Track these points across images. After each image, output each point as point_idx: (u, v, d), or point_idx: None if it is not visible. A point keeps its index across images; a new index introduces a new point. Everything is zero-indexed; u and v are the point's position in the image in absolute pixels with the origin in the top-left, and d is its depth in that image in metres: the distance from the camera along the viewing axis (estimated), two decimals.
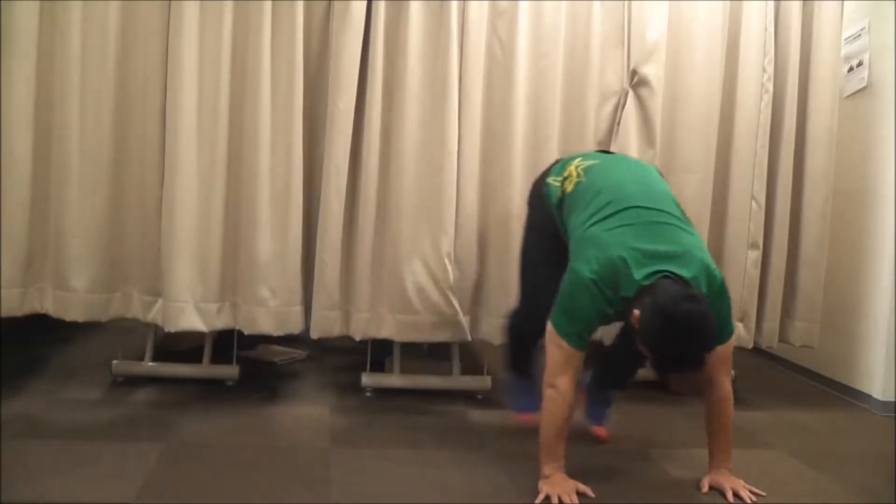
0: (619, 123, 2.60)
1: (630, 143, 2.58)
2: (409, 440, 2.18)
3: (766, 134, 2.67)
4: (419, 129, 2.47)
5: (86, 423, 2.15)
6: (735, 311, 2.68)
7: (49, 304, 2.40)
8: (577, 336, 1.76)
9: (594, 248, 1.78)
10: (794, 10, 2.67)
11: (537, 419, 1.91)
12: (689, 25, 2.61)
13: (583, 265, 1.75)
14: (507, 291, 2.52)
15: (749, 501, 1.85)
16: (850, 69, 3.03)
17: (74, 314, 2.39)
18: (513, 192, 2.52)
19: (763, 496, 1.90)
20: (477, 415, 2.47)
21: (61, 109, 2.34)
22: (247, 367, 2.70)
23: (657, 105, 2.58)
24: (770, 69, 2.65)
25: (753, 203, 2.67)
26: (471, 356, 2.88)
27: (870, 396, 2.81)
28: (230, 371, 2.61)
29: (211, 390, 2.54)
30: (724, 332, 1.83)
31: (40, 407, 2.28)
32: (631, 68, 2.59)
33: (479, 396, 2.63)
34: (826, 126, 2.73)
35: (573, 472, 1.86)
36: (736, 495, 1.87)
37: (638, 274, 1.70)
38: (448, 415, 2.46)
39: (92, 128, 2.36)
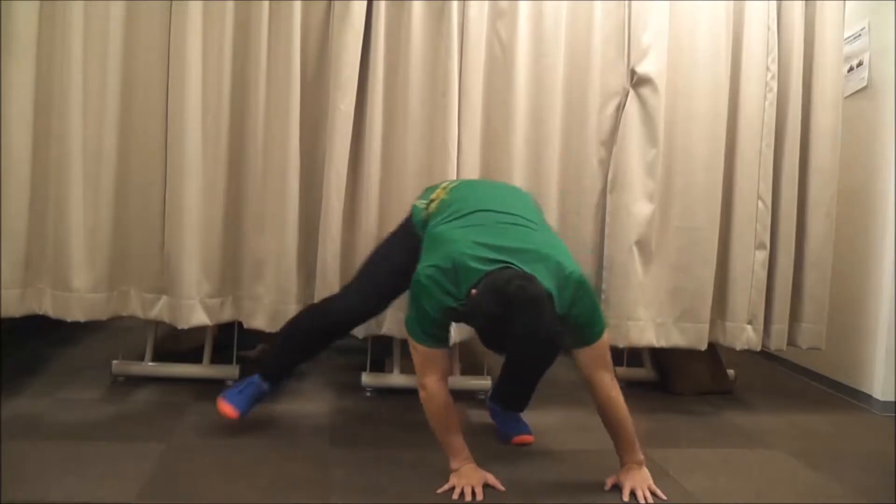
0: (620, 123, 2.60)
1: (632, 142, 2.58)
2: (409, 440, 2.18)
3: (770, 133, 2.66)
4: (419, 130, 2.47)
5: (86, 423, 2.15)
6: (743, 314, 2.67)
7: (48, 305, 2.40)
8: (427, 335, 1.77)
9: (438, 246, 1.80)
10: (796, 10, 2.67)
11: (236, 416, 2.09)
12: (690, 24, 2.61)
13: (423, 266, 1.77)
14: None
15: (643, 501, 1.79)
16: (850, 69, 3.03)
17: (75, 314, 2.39)
18: None
19: (663, 499, 1.82)
20: (477, 415, 2.46)
21: (61, 109, 2.34)
22: (247, 367, 2.70)
23: (659, 104, 2.57)
24: (774, 68, 2.65)
25: (760, 203, 2.66)
26: (471, 356, 2.88)
27: (870, 397, 2.81)
28: (230, 371, 2.61)
29: (211, 390, 2.53)
30: (591, 330, 1.81)
31: (40, 407, 2.28)
32: (631, 68, 2.59)
33: (480, 396, 2.63)
34: (830, 125, 2.72)
35: (573, 475, 1.86)
36: (633, 493, 1.81)
37: (481, 266, 1.69)
38: None
39: (93, 127, 2.36)
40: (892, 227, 2.75)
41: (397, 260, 2.09)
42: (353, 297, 2.16)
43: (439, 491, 1.79)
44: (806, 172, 2.74)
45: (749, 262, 2.67)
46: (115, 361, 2.58)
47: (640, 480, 1.84)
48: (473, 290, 1.66)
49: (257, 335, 2.60)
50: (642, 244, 2.60)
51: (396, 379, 2.63)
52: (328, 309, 2.20)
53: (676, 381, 2.87)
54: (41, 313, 2.41)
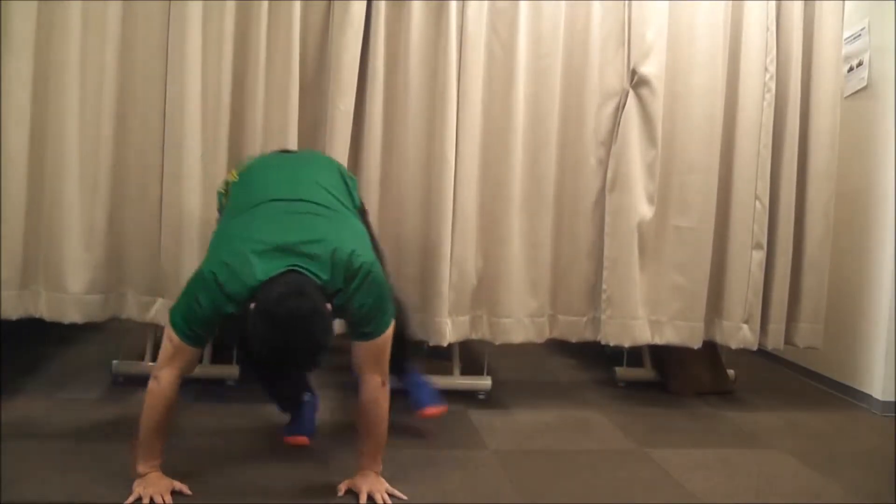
0: (620, 123, 2.60)
1: (631, 143, 2.58)
2: (409, 440, 2.18)
3: (768, 133, 2.66)
4: (418, 129, 2.47)
5: (86, 423, 2.15)
6: (740, 313, 2.68)
7: (44, 307, 2.37)
8: (190, 332, 1.67)
9: (222, 245, 1.74)
10: (795, 10, 2.67)
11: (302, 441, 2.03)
12: (689, 25, 2.61)
13: (207, 264, 1.70)
14: (507, 291, 2.52)
15: (381, 502, 1.72)
16: (850, 69, 3.03)
17: (71, 315, 2.37)
18: (512, 192, 2.52)
19: (403, 499, 1.75)
20: (477, 415, 2.47)
21: (58, 110, 2.32)
22: (246, 367, 2.70)
23: (658, 105, 2.57)
24: (772, 68, 2.65)
25: (757, 203, 2.66)
26: (471, 356, 2.88)
27: (870, 396, 2.81)
28: (230, 371, 2.61)
29: (211, 390, 2.54)
30: (370, 325, 1.72)
31: (40, 407, 2.28)
32: (631, 68, 2.59)
33: (480, 396, 2.63)
34: (828, 125, 2.73)
35: (573, 475, 1.85)
36: (371, 498, 1.73)
37: (262, 269, 1.61)
38: (448, 415, 2.45)
39: (90, 128, 2.35)
40: (892, 227, 2.76)
41: None
42: None
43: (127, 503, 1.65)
44: (804, 173, 2.75)
45: (746, 261, 2.67)
46: (115, 361, 2.58)
47: (378, 485, 1.76)
48: (252, 304, 1.58)
49: None
50: (642, 244, 2.60)
51: (396, 379, 2.62)
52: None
53: (676, 381, 2.87)
54: (37, 316, 2.38)
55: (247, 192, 1.88)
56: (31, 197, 2.35)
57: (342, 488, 1.77)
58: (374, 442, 1.79)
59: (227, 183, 2.01)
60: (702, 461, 2.11)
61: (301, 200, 1.79)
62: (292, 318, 1.52)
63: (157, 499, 1.66)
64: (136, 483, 1.69)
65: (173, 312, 1.70)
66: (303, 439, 2.06)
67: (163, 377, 1.68)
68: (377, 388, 1.75)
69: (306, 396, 2.15)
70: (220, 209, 2.01)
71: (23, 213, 2.34)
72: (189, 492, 1.71)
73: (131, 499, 1.66)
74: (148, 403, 1.69)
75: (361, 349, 1.74)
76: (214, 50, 2.38)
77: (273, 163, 2.05)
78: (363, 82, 2.45)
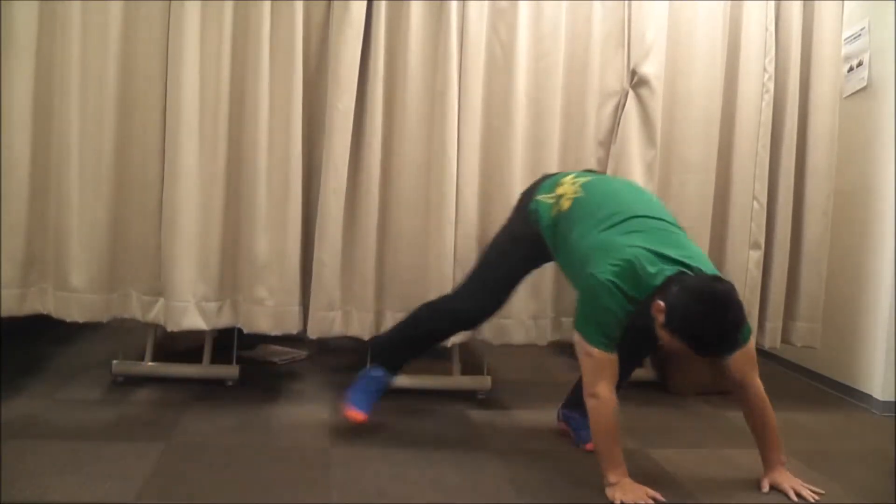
0: (619, 123, 2.60)
1: (631, 142, 2.58)
2: (409, 440, 2.18)
3: (767, 133, 2.67)
4: (419, 129, 2.47)
5: (86, 423, 2.15)
6: None
7: (50, 305, 2.39)
8: (607, 339, 1.78)
9: (609, 250, 1.81)
10: (794, 10, 2.68)
11: (364, 419, 2.09)
12: (689, 25, 2.61)
13: (600, 268, 1.77)
14: None
15: (812, 501, 1.87)
16: (850, 69, 3.03)
17: (75, 314, 2.38)
18: (512, 192, 2.51)
19: (822, 494, 1.91)
20: (477, 415, 2.47)
21: (60, 108, 2.33)
22: (247, 367, 2.70)
23: (657, 105, 2.58)
24: (771, 68, 2.66)
25: (755, 203, 2.67)
26: (471, 356, 2.88)
27: (870, 396, 2.81)
28: (230, 371, 2.61)
29: (211, 390, 2.54)
30: (746, 331, 1.86)
31: (40, 407, 2.28)
32: (631, 68, 2.59)
33: (480, 396, 2.63)
34: (827, 125, 2.73)
35: (573, 475, 1.85)
36: (798, 495, 1.88)
37: (654, 270, 1.74)
38: (448, 415, 2.46)
39: (92, 127, 2.35)
40: (892, 226, 2.76)
41: (518, 253, 2.11)
42: (482, 295, 2.12)
43: None
44: (803, 172, 2.75)
45: (743, 261, 2.68)
46: (115, 361, 2.58)
47: (798, 483, 1.92)
48: (660, 302, 1.69)
49: (257, 335, 2.60)
50: None
51: (396, 379, 2.63)
52: (456, 309, 2.15)
53: (676, 381, 2.87)
54: (44, 313, 2.39)
55: (604, 206, 1.94)
56: (35, 195, 2.36)
57: (765, 484, 1.93)
58: (775, 436, 1.96)
59: (557, 196, 2.04)
60: (702, 461, 2.11)
61: (661, 220, 1.92)
62: (729, 294, 1.67)
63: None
64: (609, 490, 1.81)
65: (583, 328, 1.80)
66: (363, 417, 2.12)
67: (602, 393, 1.79)
68: (761, 387, 1.92)
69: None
70: (545, 217, 2.05)
71: (26, 210, 2.34)
72: (663, 498, 1.80)
73: None
74: (597, 420, 1.82)
75: (739, 356, 1.86)
76: (214, 50, 2.38)
77: (608, 181, 2.14)
78: (363, 82, 2.45)
